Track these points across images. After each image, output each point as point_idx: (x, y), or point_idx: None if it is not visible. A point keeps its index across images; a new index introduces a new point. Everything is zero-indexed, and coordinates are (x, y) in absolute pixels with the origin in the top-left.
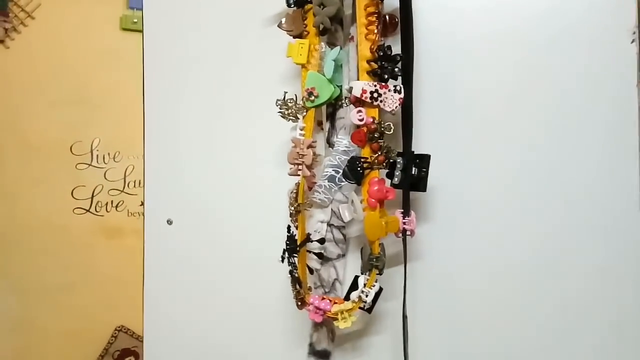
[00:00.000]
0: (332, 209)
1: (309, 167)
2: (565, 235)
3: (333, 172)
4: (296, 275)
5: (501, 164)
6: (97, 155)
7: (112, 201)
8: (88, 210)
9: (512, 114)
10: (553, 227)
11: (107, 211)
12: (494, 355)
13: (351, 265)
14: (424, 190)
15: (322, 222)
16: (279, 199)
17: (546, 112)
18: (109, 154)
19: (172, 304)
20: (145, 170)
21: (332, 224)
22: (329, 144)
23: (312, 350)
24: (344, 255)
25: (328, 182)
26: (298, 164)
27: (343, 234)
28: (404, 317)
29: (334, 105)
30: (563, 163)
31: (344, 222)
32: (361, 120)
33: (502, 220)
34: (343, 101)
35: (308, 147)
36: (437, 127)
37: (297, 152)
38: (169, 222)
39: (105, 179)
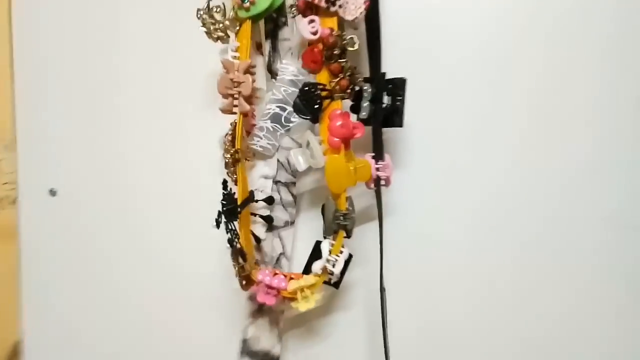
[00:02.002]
0: (278, 160)
1: (248, 100)
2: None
3: (278, 110)
4: (238, 245)
5: (493, 91)
6: None
7: (7, 196)
8: None
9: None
10: (549, 175)
11: (2, 209)
12: (479, 330)
13: (301, 236)
14: (400, 125)
15: (265, 177)
16: (204, 150)
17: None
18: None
19: (59, 296)
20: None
21: (279, 181)
22: (271, 73)
23: (246, 349)
24: (292, 223)
25: (271, 122)
26: (232, 95)
27: (293, 194)
28: (382, 289)
29: (275, 21)
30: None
31: (294, 178)
32: (315, 33)
33: (493, 164)
34: (288, 13)
35: (245, 72)
36: (410, 44)
37: (231, 80)
38: (52, 192)
39: None
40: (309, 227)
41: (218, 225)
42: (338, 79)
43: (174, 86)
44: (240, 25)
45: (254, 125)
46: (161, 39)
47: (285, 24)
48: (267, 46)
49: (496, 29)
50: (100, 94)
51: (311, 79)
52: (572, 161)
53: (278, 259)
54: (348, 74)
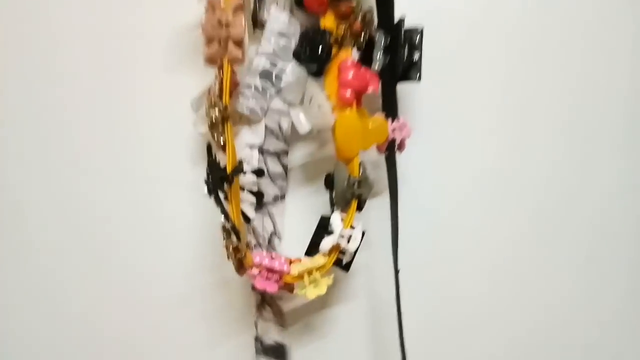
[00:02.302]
0: (266, 126)
1: (239, 44)
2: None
3: (267, 65)
4: (230, 222)
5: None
6: None
7: None
8: None
9: None
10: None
11: None
12: (495, 314)
13: (291, 213)
14: (418, 79)
15: (251, 147)
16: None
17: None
18: None
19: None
20: None
21: (267, 150)
22: (255, 23)
23: (262, 347)
24: (282, 198)
25: (260, 79)
26: (219, 40)
27: (283, 165)
28: (396, 271)
29: None
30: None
31: (286, 146)
32: None
33: (516, 128)
34: None
35: (235, 11)
36: None
37: (218, 20)
38: None
39: None
40: (300, 203)
41: (210, 192)
42: (348, 22)
43: (132, 43)
44: None
45: (237, 84)
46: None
47: None
48: None
49: None
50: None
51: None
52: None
53: (270, 240)
54: (360, 17)
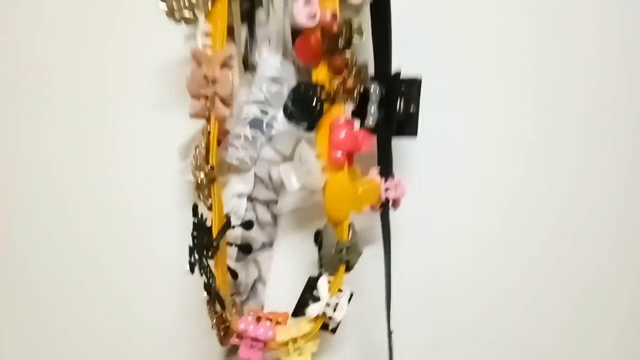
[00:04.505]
0: (255, 174)
1: (226, 102)
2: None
3: (258, 114)
4: (216, 289)
5: (512, 100)
6: None
7: None
8: None
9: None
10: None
11: None
12: None
13: (278, 257)
14: (415, 134)
15: (239, 195)
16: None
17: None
18: None
19: None
20: None
21: (256, 198)
22: (246, 65)
23: None
24: (270, 244)
25: (251, 129)
26: (206, 96)
27: (273, 214)
28: (390, 332)
29: (252, 0)
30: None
31: (275, 196)
32: (313, 17)
33: (511, 180)
34: None
35: (222, 67)
36: (420, 39)
37: (204, 75)
38: None
39: None
40: (283, 251)
41: (192, 269)
42: (342, 77)
43: (119, 80)
44: (213, 3)
45: (227, 132)
46: (102, 19)
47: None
48: (242, 32)
49: (517, 29)
50: (19, 84)
51: (298, 76)
52: (587, 176)
53: (253, 286)
54: (355, 71)
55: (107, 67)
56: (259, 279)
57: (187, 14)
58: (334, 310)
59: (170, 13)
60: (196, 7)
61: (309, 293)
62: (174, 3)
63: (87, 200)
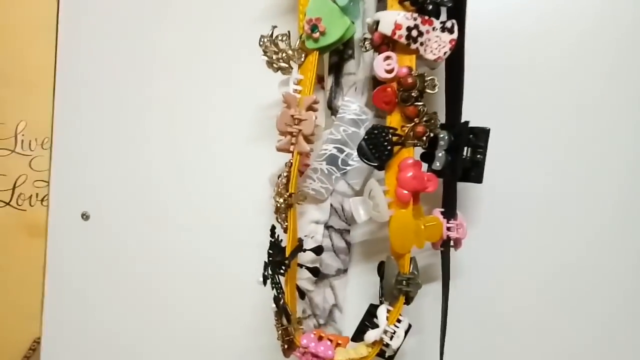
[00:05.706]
0: (331, 205)
1: (308, 139)
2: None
3: (335, 151)
4: (284, 304)
5: (578, 151)
6: (22, 141)
7: (37, 194)
8: (8, 204)
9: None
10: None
11: (31, 205)
12: None
13: (354, 285)
14: (480, 181)
15: (316, 222)
16: (249, 186)
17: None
18: (36, 139)
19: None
20: (52, 155)
21: (331, 226)
22: (331, 109)
23: None
24: (345, 271)
25: (327, 165)
26: (292, 134)
27: (346, 241)
28: None
29: (340, 54)
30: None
31: (348, 225)
32: (390, 71)
33: (571, 231)
34: (360, 47)
35: (308, 109)
36: (491, 92)
37: (292, 116)
38: (85, 216)
39: (31, 168)
40: (359, 279)
41: (265, 282)
42: (413, 124)
43: (222, 115)
44: (306, 57)
45: (308, 165)
46: (212, 63)
47: (351, 57)
48: (329, 80)
49: (583, 78)
50: (137, 118)
51: (375, 119)
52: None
53: (331, 312)
54: (425, 119)
55: (214, 105)
56: (336, 305)
57: (283, 64)
58: (391, 338)
59: (269, 64)
60: (291, 59)
61: (368, 320)
62: (273, 55)
63: (188, 216)
